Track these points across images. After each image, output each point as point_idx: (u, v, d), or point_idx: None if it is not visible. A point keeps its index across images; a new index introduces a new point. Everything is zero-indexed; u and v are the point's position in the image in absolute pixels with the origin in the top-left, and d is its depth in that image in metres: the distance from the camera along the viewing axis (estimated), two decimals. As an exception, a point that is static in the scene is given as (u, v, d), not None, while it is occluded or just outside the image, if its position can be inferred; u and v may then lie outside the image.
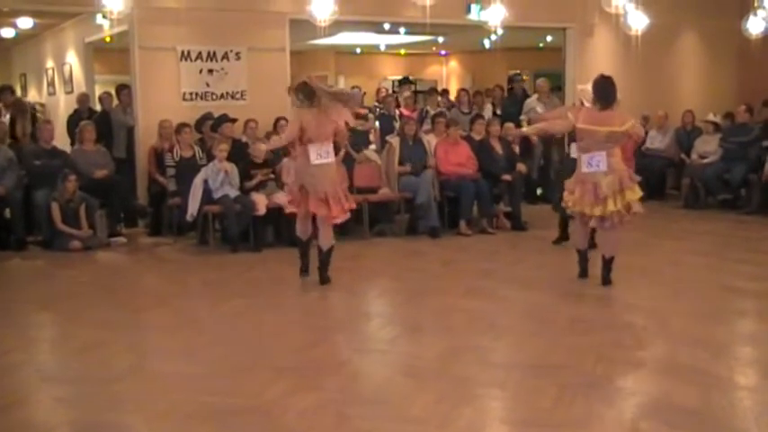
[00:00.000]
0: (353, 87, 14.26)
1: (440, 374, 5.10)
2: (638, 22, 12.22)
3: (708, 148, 12.68)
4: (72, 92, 14.99)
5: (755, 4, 12.54)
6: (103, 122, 11.64)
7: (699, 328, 6.05)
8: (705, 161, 12.54)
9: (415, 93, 15.72)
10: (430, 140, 10.87)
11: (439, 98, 14.56)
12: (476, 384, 4.93)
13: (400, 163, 10.48)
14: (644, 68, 13.54)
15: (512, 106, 13.77)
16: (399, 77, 17.76)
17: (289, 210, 7.80)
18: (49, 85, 16.92)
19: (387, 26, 14.73)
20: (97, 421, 4.39)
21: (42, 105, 15.91)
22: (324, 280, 7.59)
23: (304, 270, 7.83)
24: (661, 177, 13.46)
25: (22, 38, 17.29)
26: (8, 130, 10.97)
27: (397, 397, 4.69)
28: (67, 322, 6.66)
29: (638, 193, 7.24)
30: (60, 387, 4.95)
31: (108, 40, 13.56)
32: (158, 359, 5.61)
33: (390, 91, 17.04)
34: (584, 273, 7.65)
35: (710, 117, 12.99)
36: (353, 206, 7.72)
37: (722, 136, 12.59)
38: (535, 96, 13.41)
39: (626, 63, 13.23)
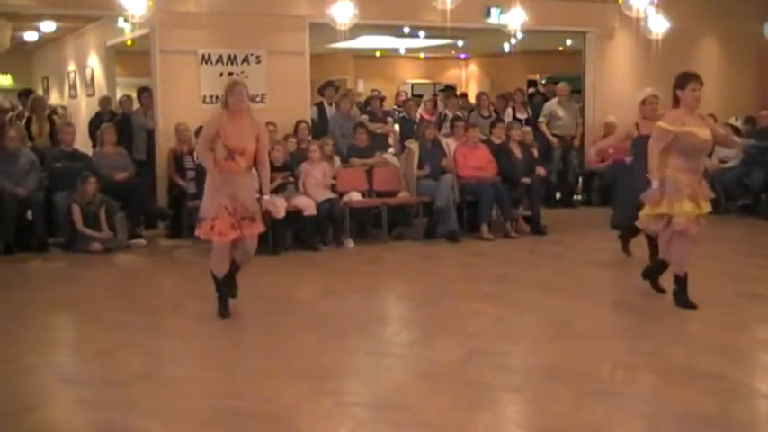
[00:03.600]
0: (373, 91, 14.31)
1: (457, 379, 5.08)
2: (659, 26, 12.19)
3: (728, 152, 12.58)
4: (93, 95, 15.09)
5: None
6: (124, 125, 11.74)
7: (718, 334, 6.01)
8: (725, 166, 12.44)
9: (435, 96, 15.70)
10: (449, 144, 10.85)
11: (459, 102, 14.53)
12: (493, 389, 4.92)
13: (419, 167, 10.46)
14: (664, 73, 13.27)
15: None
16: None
17: (221, 239, 6.37)
18: (70, 88, 17.04)
19: (406, 30, 14.76)
20: (114, 424, 4.41)
21: (64, 108, 16.03)
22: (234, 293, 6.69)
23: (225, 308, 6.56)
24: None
25: (45, 41, 17.43)
26: (25, 130, 11.01)
27: (414, 401, 4.67)
28: (86, 324, 6.70)
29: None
30: (78, 389, 4.97)
31: (129, 43, 13.65)
32: (175, 363, 5.62)
33: (410, 95, 17.07)
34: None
35: (731, 121, 12.90)
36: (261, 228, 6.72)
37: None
38: (555, 100, 13.39)
39: (646, 67, 13.15)
